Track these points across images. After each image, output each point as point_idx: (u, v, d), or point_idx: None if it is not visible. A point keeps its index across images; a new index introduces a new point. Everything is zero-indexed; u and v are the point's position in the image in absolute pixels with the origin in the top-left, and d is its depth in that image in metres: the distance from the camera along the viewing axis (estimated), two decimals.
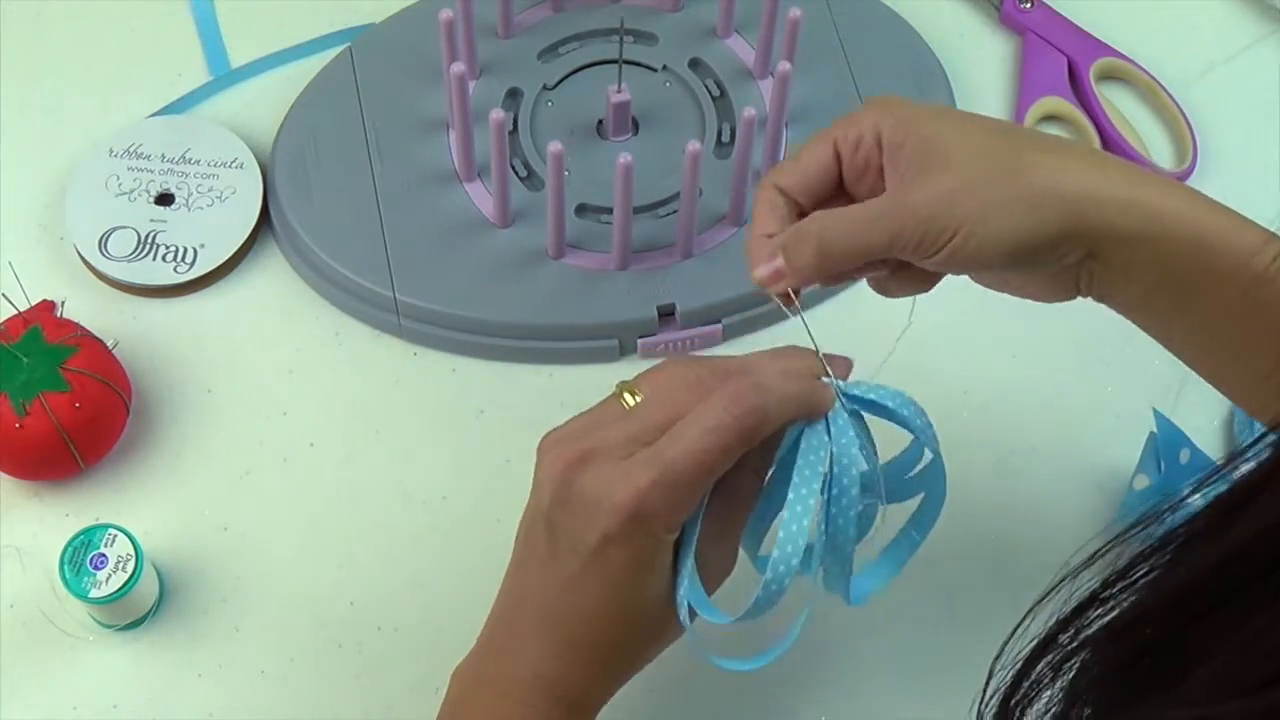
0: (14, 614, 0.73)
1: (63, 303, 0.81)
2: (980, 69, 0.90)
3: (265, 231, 0.83)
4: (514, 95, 0.85)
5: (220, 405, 0.79)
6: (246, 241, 0.82)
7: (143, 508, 0.76)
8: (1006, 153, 0.58)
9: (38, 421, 0.72)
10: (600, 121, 0.84)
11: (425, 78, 0.85)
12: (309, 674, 0.73)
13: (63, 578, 0.70)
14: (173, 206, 0.83)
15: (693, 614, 0.59)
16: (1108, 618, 0.46)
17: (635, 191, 0.76)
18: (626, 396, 0.59)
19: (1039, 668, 0.47)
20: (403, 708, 0.72)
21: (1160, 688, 0.42)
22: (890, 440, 0.63)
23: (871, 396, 0.60)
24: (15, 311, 0.76)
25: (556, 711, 0.59)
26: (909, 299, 0.65)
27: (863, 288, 0.66)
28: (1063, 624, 0.47)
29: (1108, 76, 0.90)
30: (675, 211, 0.81)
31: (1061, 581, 0.48)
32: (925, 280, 0.62)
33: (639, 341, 0.81)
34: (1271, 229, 0.57)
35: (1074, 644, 0.46)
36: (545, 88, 0.85)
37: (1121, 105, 0.89)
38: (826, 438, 0.59)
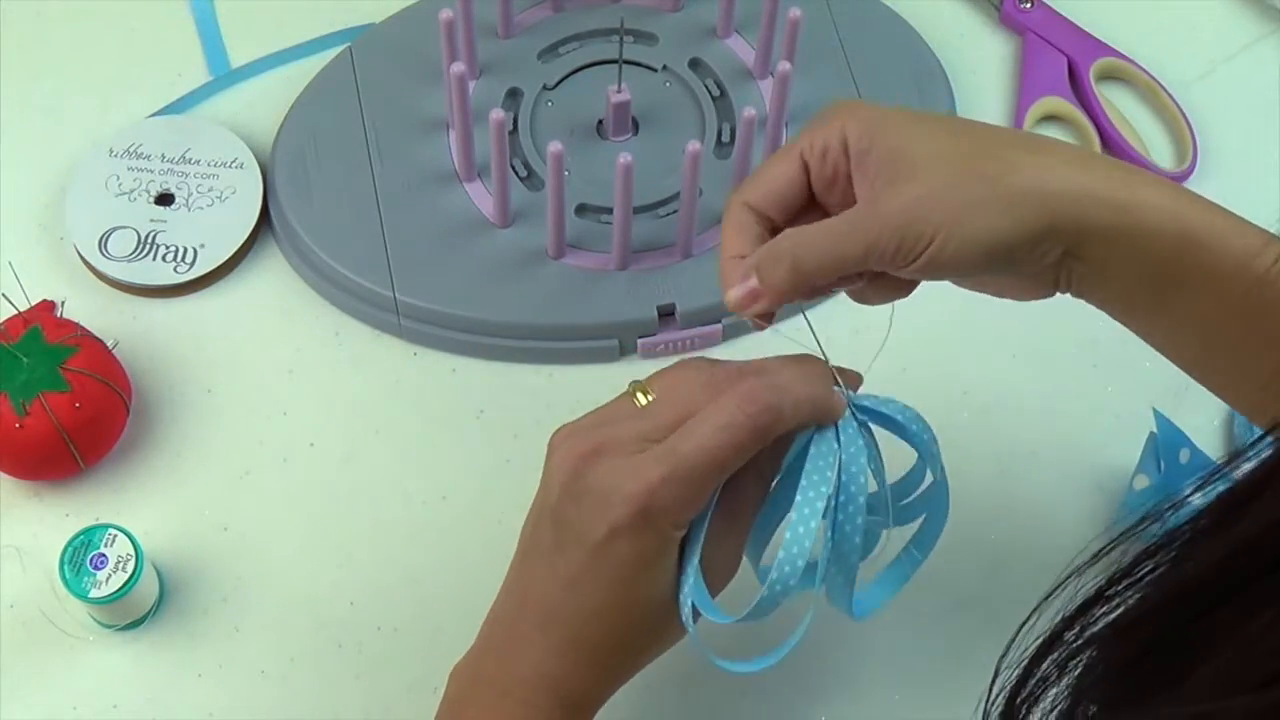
0: (14, 614, 0.73)
1: (63, 303, 0.81)
2: (980, 69, 0.91)
3: (265, 231, 0.83)
4: (514, 95, 0.85)
5: (220, 405, 0.79)
6: (246, 241, 0.82)
7: (143, 508, 0.76)
8: (977, 153, 0.57)
9: (38, 421, 0.72)
10: (600, 121, 0.84)
11: (425, 78, 0.85)
12: (309, 674, 0.73)
13: (63, 578, 0.70)
14: (173, 206, 0.83)
15: (696, 615, 0.59)
16: (1113, 615, 0.46)
17: (635, 191, 0.76)
18: (639, 395, 0.59)
19: (1044, 665, 0.47)
20: (402, 707, 0.72)
21: (1165, 685, 0.42)
22: (893, 464, 0.63)
23: (882, 409, 0.60)
24: (15, 311, 0.76)
25: (557, 710, 0.59)
26: (888, 306, 0.64)
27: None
28: (1068, 622, 0.47)
29: (1108, 76, 0.90)
30: (675, 211, 0.81)
31: (1067, 579, 0.48)
32: (902, 286, 0.61)
33: (639, 341, 0.81)
34: (1272, 229, 0.57)
35: (1079, 641, 0.46)
36: (545, 88, 0.85)
37: (1121, 105, 0.89)
38: (836, 445, 0.59)
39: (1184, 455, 0.74)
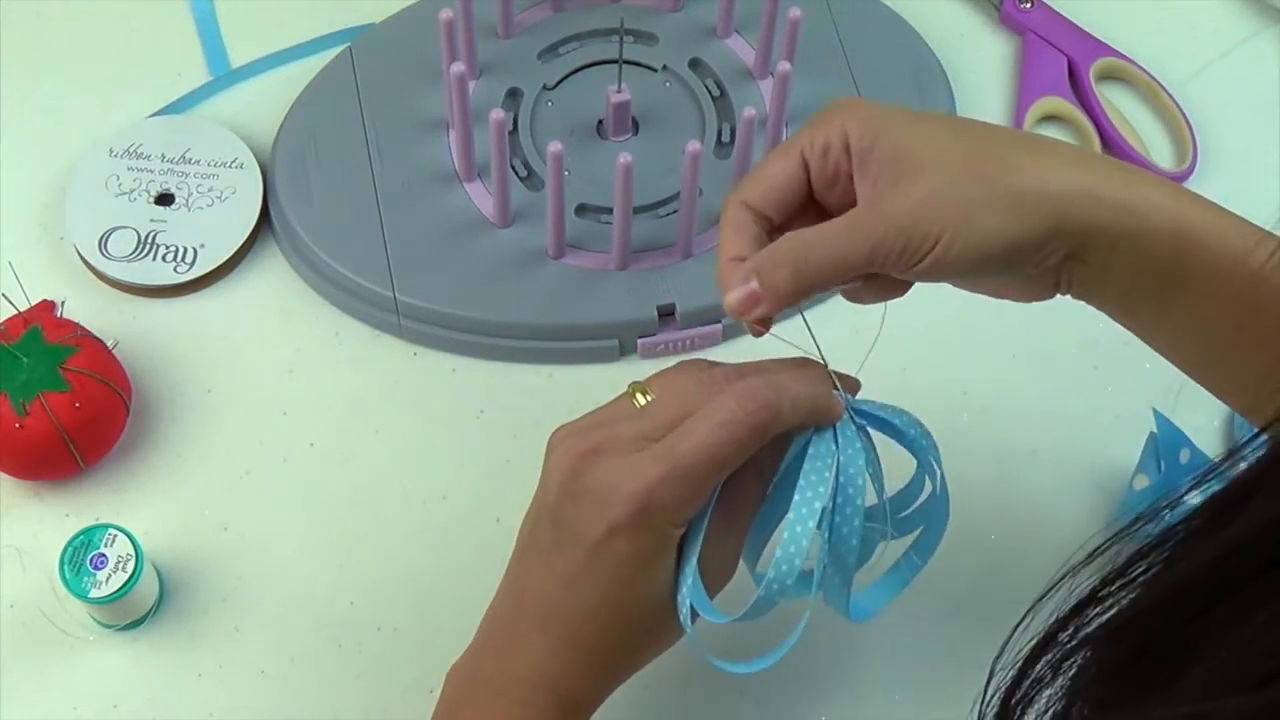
0: (14, 614, 0.73)
1: (63, 303, 0.81)
2: (980, 69, 0.91)
3: (265, 231, 0.83)
4: (514, 95, 0.85)
5: (220, 405, 0.79)
6: (246, 241, 0.82)
7: (143, 508, 0.76)
8: (979, 153, 0.57)
9: (38, 421, 0.72)
10: (600, 121, 0.84)
11: (425, 78, 0.85)
12: (309, 674, 0.73)
13: (63, 578, 0.70)
14: (173, 206, 0.83)
15: (694, 615, 0.59)
16: (1106, 616, 0.45)
17: (635, 191, 0.76)
18: (638, 396, 0.59)
19: (1039, 666, 0.47)
20: (402, 707, 0.72)
21: (1158, 686, 0.42)
22: (893, 477, 0.63)
23: (880, 414, 0.60)
24: (15, 311, 0.76)
25: (554, 710, 0.59)
26: (881, 305, 0.64)
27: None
28: (1062, 622, 0.47)
29: (1108, 76, 0.90)
30: (675, 211, 0.81)
31: (1061, 580, 0.48)
32: (898, 286, 0.61)
33: (639, 341, 0.81)
34: (1273, 229, 0.57)
35: (1073, 642, 0.46)
36: (545, 88, 0.85)
37: (1121, 105, 0.89)
38: (834, 447, 0.59)
39: (1184, 455, 0.74)
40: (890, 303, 0.64)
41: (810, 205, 0.60)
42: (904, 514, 0.64)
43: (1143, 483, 0.76)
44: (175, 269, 0.81)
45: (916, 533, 0.64)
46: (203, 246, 0.82)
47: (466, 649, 0.62)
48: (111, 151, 0.84)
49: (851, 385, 0.61)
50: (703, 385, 0.58)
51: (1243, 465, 0.43)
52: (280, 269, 0.83)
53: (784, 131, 0.83)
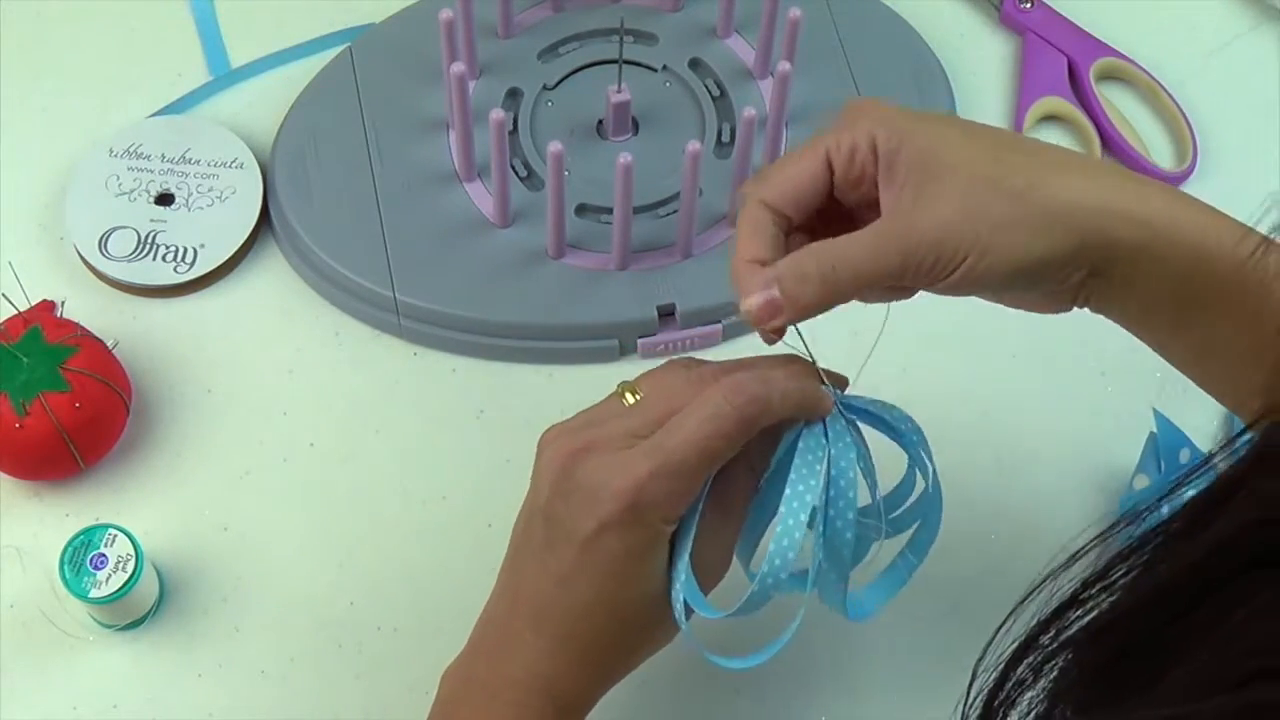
0: (14, 614, 0.73)
1: (63, 303, 0.81)
2: (980, 69, 0.90)
3: (265, 231, 0.83)
4: (514, 95, 0.85)
5: (220, 405, 0.79)
6: (246, 241, 0.82)
7: (143, 508, 0.76)
8: (1009, 168, 0.56)
9: (38, 421, 0.72)
10: (600, 121, 0.84)
11: (425, 78, 0.85)
12: (309, 674, 0.73)
13: (63, 578, 0.70)
14: (173, 206, 0.83)
15: (689, 612, 0.59)
16: (1087, 618, 0.45)
17: (635, 191, 0.76)
18: (627, 395, 0.60)
19: (1020, 669, 0.47)
20: (402, 708, 0.72)
21: (1139, 688, 0.42)
22: (887, 476, 0.63)
23: (869, 408, 0.60)
24: (15, 311, 0.76)
25: (549, 710, 0.59)
26: (883, 307, 0.63)
27: None
28: (1043, 625, 0.47)
29: (1108, 76, 0.90)
30: (675, 211, 0.81)
31: (1043, 583, 0.48)
32: (909, 290, 0.61)
33: (639, 341, 0.81)
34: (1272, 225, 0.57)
35: (1054, 645, 0.46)
36: (545, 88, 0.85)
37: (1121, 105, 0.89)
38: (824, 440, 0.59)
39: (1184, 455, 0.75)
40: (890, 303, 0.64)
41: (828, 205, 0.60)
42: (897, 512, 0.64)
43: (1143, 483, 0.76)
44: (175, 269, 0.81)
45: (912, 530, 0.64)
46: (203, 246, 0.82)
47: (462, 650, 0.62)
48: (111, 151, 0.84)
49: (839, 381, 0.61)
50: (690, 382, 0.59)
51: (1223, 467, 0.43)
52: (280, 269, 0.83)
53: (784, 131, 0.83)
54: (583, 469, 0.57)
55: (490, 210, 0.82)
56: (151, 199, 0.83)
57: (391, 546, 0.76)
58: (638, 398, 0.59)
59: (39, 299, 0.79)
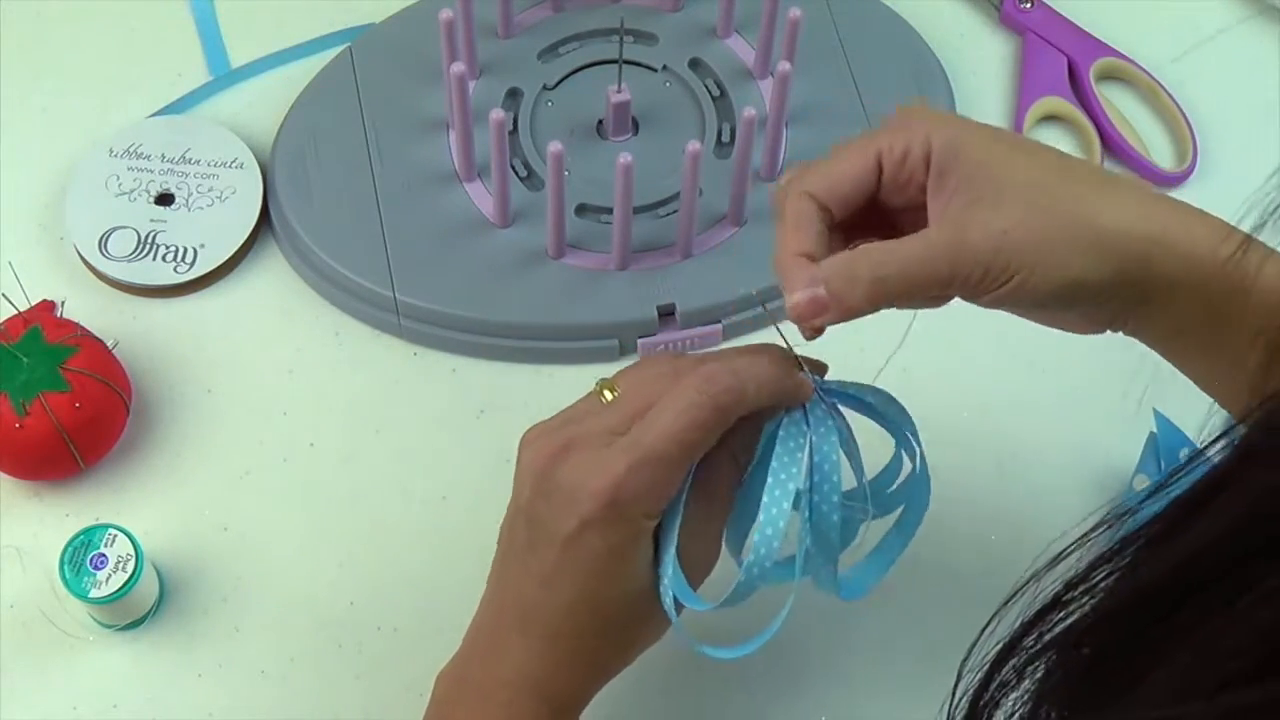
0: (14, 614, 0.73)
1: (63, 303, 0.81)
2: (980, 69, 0.90)
3: (265, 231, 0.84)
4: (514, 95, 0.85)
5: (220, 405, 0.79)
6: (246, 241, 0.82)
7: (143, 508, 0.76)
8: (1065, 190, 0.57)
9: (38, 421, 0.72)
10: (600, 121, 0.84)
11: (425, 78, 0.85)
12: (309, 674, 0.73)
13: (63, 578, 0.70)
14: (173, 206, 0.83)
15: (679, 606, 0.59)
16: (1070, 620, 0.45)
17: (635, 191, 0.76)
18: (605, 393, 0.60)
19: (1004, 670, 0.47)
20: (402, 708, 0.72)
21: (1122, 690, 0.42)
22: (873, 460, 0.63)
23: (851, 392, 0.60)
24: (15, 311, 0.76)
25: (542, 711, 0.60)
26: (908, 315, 0.63)
27: None
28: (1026, 627, 0.47)
29: (1108, 76, 0.90)
30: (675, 211, 0.81)
31: (1027, 583, 0.48)
32: (940, 298, 0.60)
33: (639, 341, 0.81)
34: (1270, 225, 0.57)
35: (1038, 646, 0.46)
36: (545, 88, 0.85)
37: (1121, 105, 0.89)
38: (805, 427, 0.59)
39: (1184, 455, 0.75)
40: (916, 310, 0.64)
41: (870, 205, 0.59)
42: (889, 490, 0.64)
43: (1143, 483, 0.76)
44: (175, 269, 0.81)
45: (899, 511, 0.64)
46: (203, 246, 0.82)
47: (456, 652, 0.63)
48: (111, 151, 0.84)
49: (819, 368, 0.61)
50: (665, 376, 0.59)
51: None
52: (280, 269, 0.83)
53: (784, 131, 0.83)
54: (561, 469, 0.57)
55: (490, 210, 0.82)
56: (151, 199, 0.83)
57: (391, 546, 0.76)
58: (615, 395, 0.59)
59: (39, 299, 0.79)
